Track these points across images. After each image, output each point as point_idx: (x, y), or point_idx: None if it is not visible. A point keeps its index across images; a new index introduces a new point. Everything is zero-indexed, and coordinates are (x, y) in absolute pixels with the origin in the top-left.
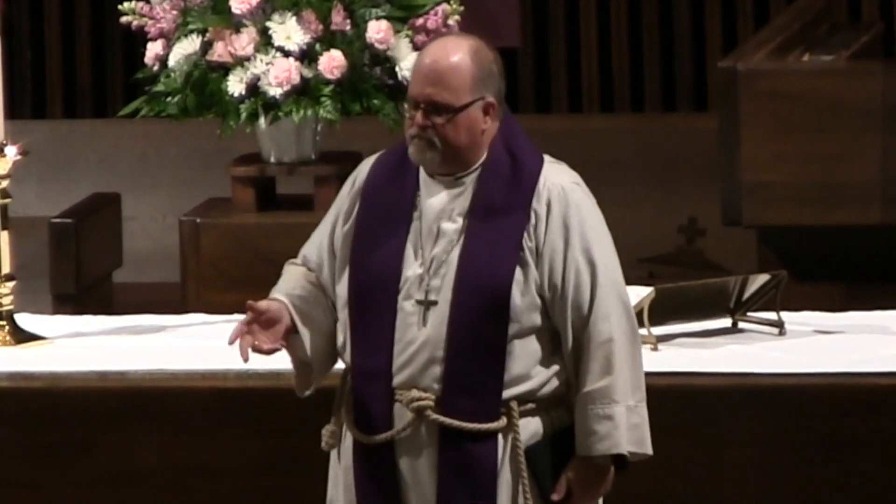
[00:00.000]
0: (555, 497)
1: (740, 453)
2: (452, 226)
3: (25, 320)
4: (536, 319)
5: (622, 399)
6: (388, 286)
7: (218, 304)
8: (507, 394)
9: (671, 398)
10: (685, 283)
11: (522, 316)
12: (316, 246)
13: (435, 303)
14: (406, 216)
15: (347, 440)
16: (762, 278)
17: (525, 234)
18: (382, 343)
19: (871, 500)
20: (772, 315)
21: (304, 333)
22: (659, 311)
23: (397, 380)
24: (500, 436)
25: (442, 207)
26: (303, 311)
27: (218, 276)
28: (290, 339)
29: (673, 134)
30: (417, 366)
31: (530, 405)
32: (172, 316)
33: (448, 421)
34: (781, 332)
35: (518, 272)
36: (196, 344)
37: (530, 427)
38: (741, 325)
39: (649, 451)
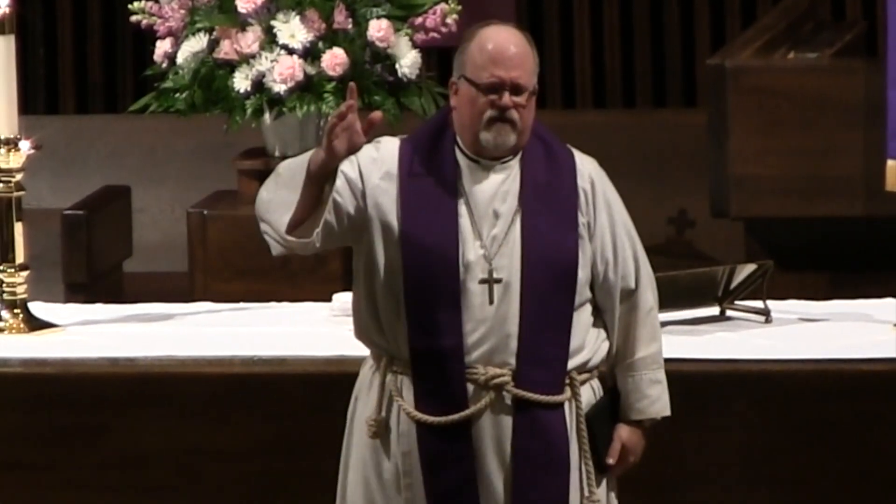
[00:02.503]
0: (611, 461)
1: (728, 436)
2: (506, 206)
3: (38, 308)
4: (588, 292)
5: (662, 364)
6: (448, 269)
7: (224, 293)
8: (570, 364)
9: None
10: (675, 272)
11: (581, 289)
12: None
13: (500, 280)
14: (452, 199)
15: (403, 425)
16: (749, 268)
17: (578, 212)
18: (451, 323)
19: (854, 480)
20: (758, 303)
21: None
22: None
23: (470, 358)
24: (565, 405)
25: (494, 190)
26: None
27: (224, 265)
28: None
29: (663, 129)
30: (492, 342)
31: (585, 374)
32: (180, 304)
33: (526, 394)
34: (768, 320)
35: (579, 247)
36: (203, 331)
37: (584, 396)
38: (729, 313)
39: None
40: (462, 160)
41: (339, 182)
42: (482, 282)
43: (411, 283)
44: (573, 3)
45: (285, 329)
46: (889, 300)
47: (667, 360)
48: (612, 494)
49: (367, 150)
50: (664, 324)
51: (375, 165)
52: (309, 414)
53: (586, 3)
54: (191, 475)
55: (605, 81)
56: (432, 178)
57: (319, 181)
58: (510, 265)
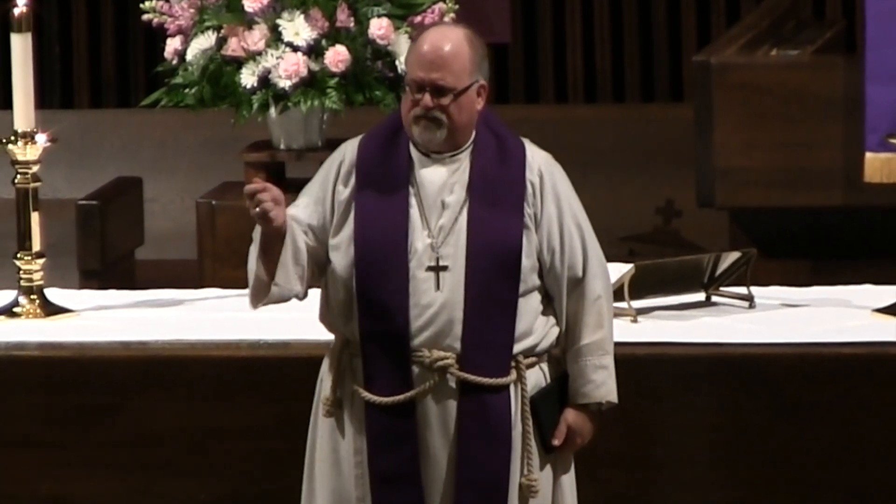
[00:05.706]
0: (556, 442)
1: (713, 417)
2: (454, 198)
3: (54, 294)
4: (535, 280)
5: (610, 351)
6: (397, 255)
7: (232, 280)
8: (515, 348)
9: (649, 366)
10: (663, 260)
11: (527, 276)
12: (304, 207)
13: (446, 268)
14: (403, 190)
15: (356, 405)
16: (733, 256)
17: (525, 203)
18: (397, 308)
19: (834, 460)
20: (742, 290)
21: (287, 256)
22: (638, 286)
23: (416, 342)
24: (511, 388)
25: (443, 182)
26: (293, 234)
27: (232, 253)
28: (274, 248)
29: (651, 123)
30: (437, 327)
31: (532, 359)
32: (190, 290)
33: (470, 377)
34: (751, 306)
35: (523, 236)
36: (211, 316)
37: (531, 379)
38: (714, 298)
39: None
40: (415, 153)
41: (311, 220)
42: (429, 269)
43: (362, 270)
44: (566, 2)
45: (289, 314)
46: (867, 286)
47: (655, 344)
48: (565, 477)
49: (334, 159)
50: (652, 309)
51: (335, 167)
52: (311, 395)
53: (578, 2)
54: (198, 452)
55: (595, 77)
56: (386, 171)
57: (273, 247)
58: (456, 254)
